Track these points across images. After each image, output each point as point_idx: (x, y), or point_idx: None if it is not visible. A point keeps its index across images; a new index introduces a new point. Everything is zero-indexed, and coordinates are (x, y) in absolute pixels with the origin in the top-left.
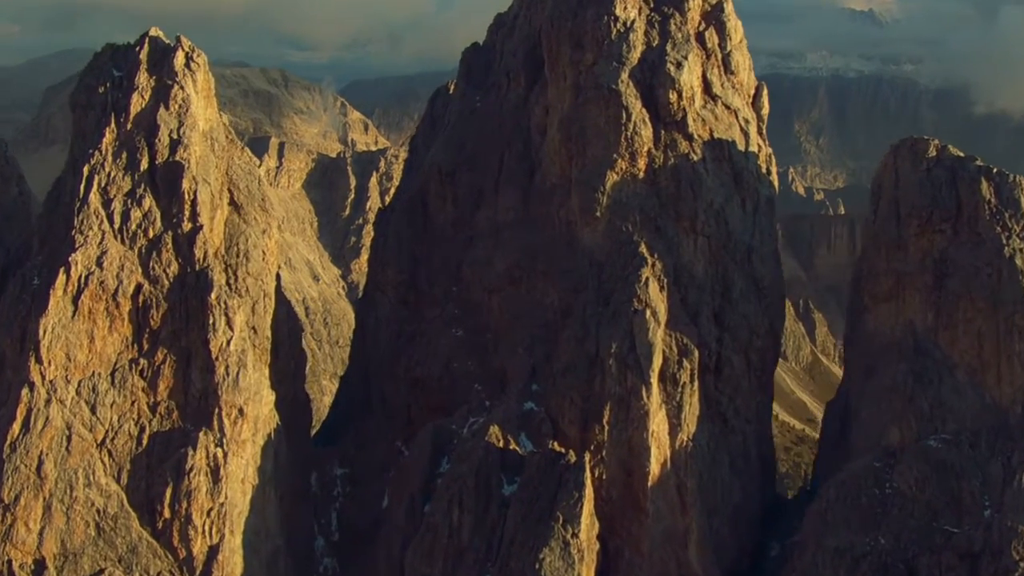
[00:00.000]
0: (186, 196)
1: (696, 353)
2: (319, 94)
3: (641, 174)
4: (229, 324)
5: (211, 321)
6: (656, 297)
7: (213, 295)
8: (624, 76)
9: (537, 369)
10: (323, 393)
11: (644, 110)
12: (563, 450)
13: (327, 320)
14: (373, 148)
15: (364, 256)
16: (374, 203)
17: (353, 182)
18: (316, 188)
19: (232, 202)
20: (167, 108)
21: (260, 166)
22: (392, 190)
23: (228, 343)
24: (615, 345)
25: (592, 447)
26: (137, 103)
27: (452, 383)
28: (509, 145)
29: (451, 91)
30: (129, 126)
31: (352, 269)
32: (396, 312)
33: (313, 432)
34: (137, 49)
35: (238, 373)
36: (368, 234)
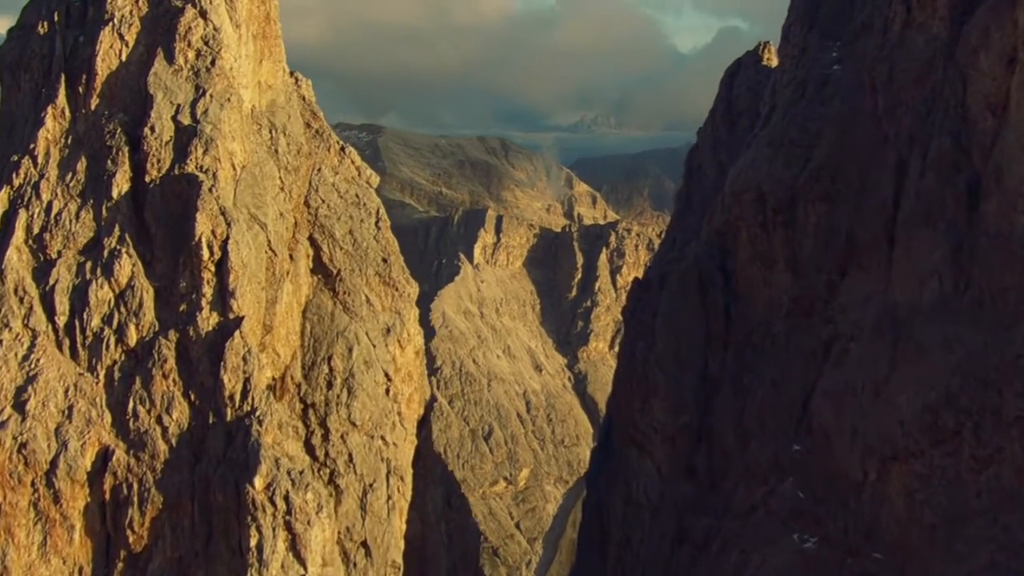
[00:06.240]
0: (206, 251)
1: None
2: (541, 164)
3: None
4: (295, 547)
5: (255, 542)
6: None
7: (259, 481)
8: None
9: None
10: (546, 500)
11: None
12: None
13: (551, 416)
14: (602, 223)
15: (593, 344)
16: (604, 283)
17: (580, 259)
18: (539, 266)
19: (318, 264)
20: (171, 61)
21: (476, 242)
22: (624, 268)
23: None
24: None
25: None
26: (108, 54)
27: None
28: (914, 141)
29: (764, 58)
30: (94, 102)
31: (579, 358)
32: (672, 491)
33: None
34: None
35: None
36: (597, 318)
